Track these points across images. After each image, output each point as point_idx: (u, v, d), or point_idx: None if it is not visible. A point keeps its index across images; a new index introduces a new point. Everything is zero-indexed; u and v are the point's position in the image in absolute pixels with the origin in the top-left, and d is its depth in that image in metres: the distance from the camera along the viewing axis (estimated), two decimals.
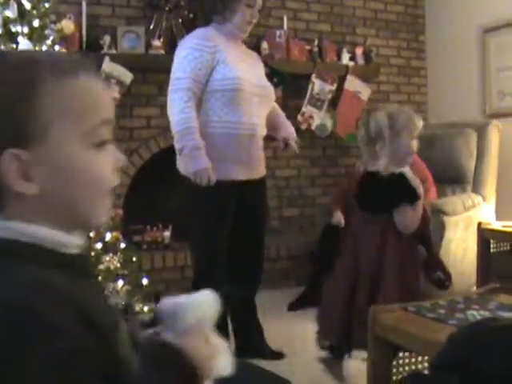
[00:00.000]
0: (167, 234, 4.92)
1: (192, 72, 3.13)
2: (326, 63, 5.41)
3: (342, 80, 5.40)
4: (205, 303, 1.17)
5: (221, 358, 1.13)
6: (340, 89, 5.39)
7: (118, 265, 3.29)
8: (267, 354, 3.48)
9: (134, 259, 3.47)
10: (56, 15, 3.57)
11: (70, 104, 0.93)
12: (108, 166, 0.99)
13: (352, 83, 5.43)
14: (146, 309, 3.32)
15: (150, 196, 4.95)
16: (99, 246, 3.21)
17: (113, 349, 0.94)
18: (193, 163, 3.09)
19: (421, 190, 2.98)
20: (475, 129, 4.89)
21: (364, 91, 5.50)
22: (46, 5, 3.29)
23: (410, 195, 2.94)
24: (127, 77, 4.45)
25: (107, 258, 3.23)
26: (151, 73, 4.71)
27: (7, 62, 0.95)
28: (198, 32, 3.28)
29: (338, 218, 4.60)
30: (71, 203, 0.96)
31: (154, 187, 4.92)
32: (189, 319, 1.12)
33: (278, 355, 3.49)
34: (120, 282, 3.24)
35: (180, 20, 4.86)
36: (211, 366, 1.08)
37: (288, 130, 3.50)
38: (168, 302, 1.15)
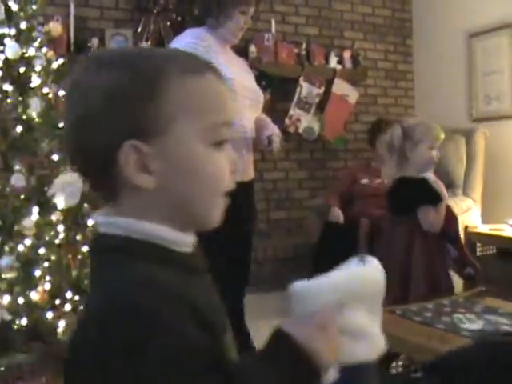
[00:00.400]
0: None
1: None
2: (313, 66, 5.42)
3: (329, 83, 5.41)
4: (351, 281, 1.01)
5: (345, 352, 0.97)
6: (328, 92, 5.40)
7: None
8: None
9: None
10: (43, 17, 3.55)
11: (193, 101, 0.93)
12: (225, 166, 0.98)
13: (340, 86, 5.44)
14: None
15: None
16: (86, 248, 3.19)
17: (221, 349, 0.94)
18: None
19: (444, 192, 3.07)
20: (463, 134, 4.97)
21: (351, 94, 5.51)
22: (34, 7, 3.28)
23: (431, 197, 3.02)
24: None
25: None
26: None
27: (135, 56, 0.96)
28: (192, 31, 3.28)
29: (337, 213, 4.68)
30: (186, 201, 0.94)
31: None
32: (312, 304, 0.99)
33: None
34: None
35: (168, 23, 4.85)
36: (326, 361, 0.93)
37: (272, 128, 3.50)
38: (300, 283, 1.03)
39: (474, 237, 4.55)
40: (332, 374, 0.96)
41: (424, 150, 3.09)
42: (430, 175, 3.11)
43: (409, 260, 3.04)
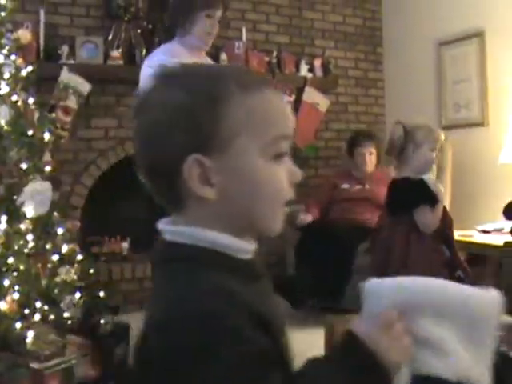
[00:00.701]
0: (125, 245, 4.88)
1: None
2: (284, 75, 5.45)
3: (300, 91, 5.45)
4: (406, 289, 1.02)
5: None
6: (298, 100, 5.43)
7: (75, 277, 3.25)
8: None
9: (92, 271, 3.44)
10: (13, 24, 3.52)
11: (254, 117, 0.96)
12: (284, 178, 1.01)
13: (310, 95, 5.47)
14: (103, 321, 3.29)
15: (108, 207, 4.91)
16: (56, 257, 3.17)
17: (283, 353, 0.98)
18: None
19: (441, 194, 3.11)
20: None
21: (322, 103, 5.54)
22: (2, 14, 3.26)
23: (429, 198, 3.06)
24: (85, 87, 4.41)
25: (64, 270, 3.19)
26: (109, 83, 4.67)
27: (199, 74, 1.01)
28: (162, 48, 3.31)
29: (315, 214, 4.77)
30: (248, 212, 0.98)
31: (112, 198, 4.89)
32: (381, 301, 1.01)
33: None
34: (77, 295, 3.20)
35: (139, 31, 4.84)
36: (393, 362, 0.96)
37: None
38: (375, 281, 1.05)
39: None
40: (404, 379, 0.97)
41: (426, 151, 3.14)
42: (430, 176, 3.17)
43: (405, 260, 3.08)
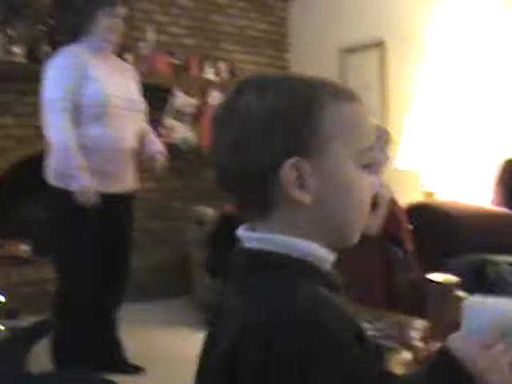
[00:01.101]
0: (25, 247, 4.76)
1: (63, 91, 3.12)
2: (190, 77, 5.45)
3: (205, 94, 5.45)
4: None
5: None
6: (203, 103, 5.43)
7: None
8: (126, 368, 3.45)
9: None
10: None
11: (347, 126, 0.98)
12: (369, 189, 1.03)
13: (215, 98, 5.47)
14: (1, 327, 3.21)
15: (7, 208, 4.78)
16: None
17: (378, 362, 1.00)
18: (76, 182, 3.06)
19: (385, 197, 3.14)
20: None
21: None
22: None
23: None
24: None
25: None
26: (10, 81, 4.54)
27: (292, 79, 1.01)
28: (66, 50, 3.25)
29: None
30: (338, 217, 1.00)
31: (12, 199, 4.76)
32: (483, 320, 0.97)
33: (136, 369, 3.48)
34: None
35: (41, 27, 4.73)
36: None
37: (156, 145, 3.51)
38: (478, 298, 1.02)
39: None
40: None
41: (375, 151, 3.16)
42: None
43: (349, 263, 3.10)
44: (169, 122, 5.24)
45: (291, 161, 0.94)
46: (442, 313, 2.13)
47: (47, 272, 4.50)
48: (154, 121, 5.02)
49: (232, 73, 5.76)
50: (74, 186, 3.07)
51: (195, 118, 5.40)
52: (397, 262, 3.13)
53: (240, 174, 0.98)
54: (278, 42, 6.32)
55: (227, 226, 4.76)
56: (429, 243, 3.50)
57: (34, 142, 4.37)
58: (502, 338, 0.95)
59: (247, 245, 1.00)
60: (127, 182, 3.39)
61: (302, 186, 0.95)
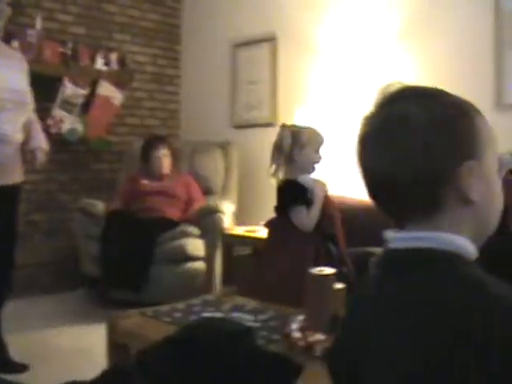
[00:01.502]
0: None
1: None
2: (79, 67, 5.36)
3: (94, 84, 5.40)
4: None
5: None
6: (92, 93, 5.38)
7: None
8: (10, 366, 3.40)
9: None
10: None
11: (490, 135, 1.08)
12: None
13: (105, 88, 5.44)
14: None
15: None
16: None
17: None
18: None
19: (319, 195, 3.21)
20: (220, 146, 5.37)
21: (117, 97, 5.53)
22: None
23: (302, 199, 3.18)
24: None
25: None
26: None
27: (447, 94, 1.09)
28: None
29: (117, 205, 4.91)
30: (489, 219, 1.10)
31: None
32: None
33: (21, 367, 3.42)
34: None
35: None
36: None
37: (39, 141, 3.45)
38: None
39: (229, 238, 4.79)
40: None
41: (310, 152, 3.26)
42: (309, 177, 3.27)
43: (280, 260, 3.17)
44: (57, 112, 5.16)
45: (469, 164, 1.03)
46: (319, 304, 2.23)
47: None
48: (42, 111, 4.96)
49: (122, 63, 5.72)
50: None
51: (84, 109, 5.34)
52: (330, 258, 3.22)
53: (411, 179, 1.04)
54: (170, 33, 6.32)
55: (117, 221, 4.77)
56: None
57: None
58: None
59: (399, 244, 1.07)
60: (13, 174, 3.34)
61: (473, 188, 1.04)
